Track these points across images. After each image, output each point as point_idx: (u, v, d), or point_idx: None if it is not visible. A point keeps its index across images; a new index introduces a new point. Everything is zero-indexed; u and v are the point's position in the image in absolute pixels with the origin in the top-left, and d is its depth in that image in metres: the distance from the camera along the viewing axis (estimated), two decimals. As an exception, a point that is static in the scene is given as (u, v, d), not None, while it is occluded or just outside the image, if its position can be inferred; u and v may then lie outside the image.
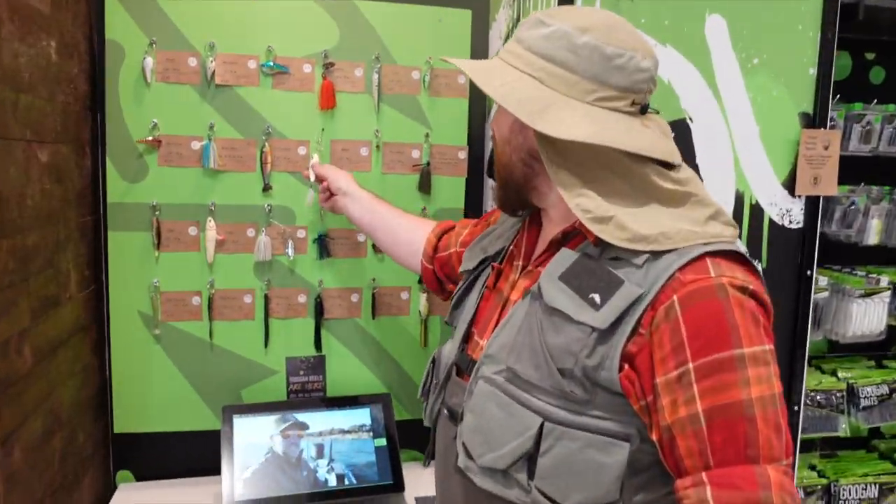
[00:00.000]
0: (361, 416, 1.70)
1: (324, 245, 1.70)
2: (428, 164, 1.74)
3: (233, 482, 1.53)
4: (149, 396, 1.67)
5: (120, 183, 1.59)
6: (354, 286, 1.75)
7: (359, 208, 1.49)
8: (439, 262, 1.35)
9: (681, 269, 0.78)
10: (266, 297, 1.70)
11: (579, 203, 0.83)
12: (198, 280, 1.66)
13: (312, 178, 1.59)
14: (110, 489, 1.68)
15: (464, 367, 0.99)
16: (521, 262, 0.99)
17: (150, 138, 1.58)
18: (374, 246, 1.74)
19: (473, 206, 1.81)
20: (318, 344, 1.74)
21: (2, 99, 1.13)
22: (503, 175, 0.97)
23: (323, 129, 1.68)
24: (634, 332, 0.78)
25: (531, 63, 0.86)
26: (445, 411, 1.02)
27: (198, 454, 1.70)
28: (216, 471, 1.56)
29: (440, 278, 1.36)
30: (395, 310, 1.78)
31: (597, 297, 0.81)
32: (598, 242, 0.84)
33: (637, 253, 0.80)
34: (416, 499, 1.65)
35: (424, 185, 1.74)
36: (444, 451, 1.02)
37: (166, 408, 1.68)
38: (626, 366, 0.79)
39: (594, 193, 0.83)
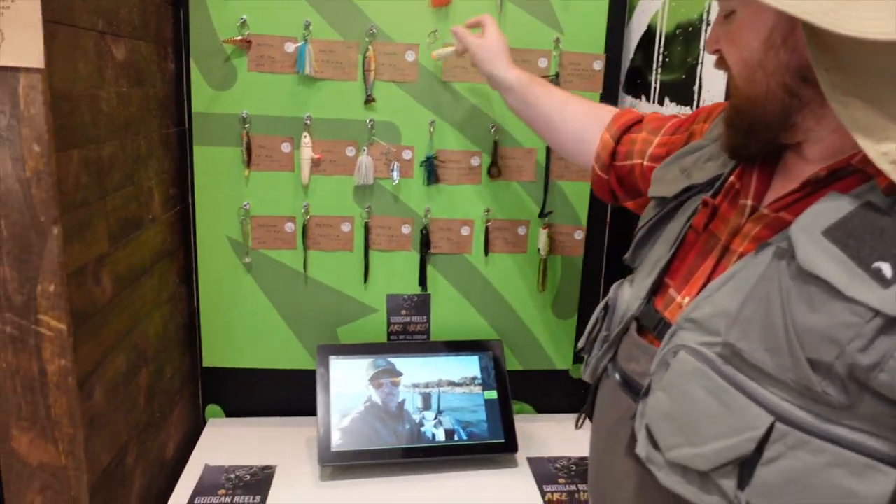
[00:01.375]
0: (470, 364, 1.50)
1: (433, 168, 1.47)
2: (557, 75, 1.46)
3: (329, 429, 1.38)
4: (239, 330, 1.52)
5: (206, 89, 1.39)
6: (466, 217, 1.52)
7: (510, 99, 1.20)
8: (617, 172, 1.05)
9: None
10: (366, 227, 1.49)
11: (888, 152, 0.57)
12: (291, 204, 1.47)
13: (448, 52, 1.31)
14: (200, 425, 1.57)
15: (649, 325, 0.78)
16: (749, 202, 0.73)
17: (239, 38, 1.37)
18: (489, 171, 1.50)
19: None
20: (422, 281, 1.54)
21: (68, -24, 0.93)
22: (748, 112, 0.70)
23: (435, 31, 1.42)
24: None
25: None
26: (618, 376, 0.82)
27: (290, 394, 1.56)
28: (309, 411, 1.41)
29: (615, 191, 1.08)
30: (510, 246, 1.55)
31: (886, 269, 0.56)
32: (891, 189, 0.59)
33: None
34: (529, 460, 1.46)
35: (552, 101, 1.47)
36: (613, 427, 0.82)
37: (257, 343, 1.54)
38: None
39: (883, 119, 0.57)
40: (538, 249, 1.54)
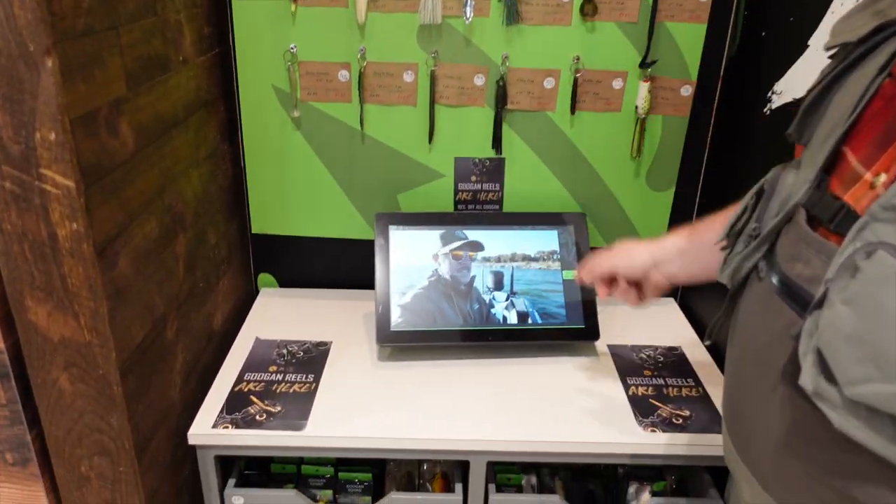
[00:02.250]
0: (547, 239, 1.31)
1: (513, 5, 1.21)
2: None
3: (388, 306, 1.23)
4: (289, 194, 1.36)
5: None
6: (551, 67, 1.27)
7: (680, 265, 0.95)
8: None
9: None
10: (432, 76, 1.26)
11: None
12: (345, 48, 1.25)
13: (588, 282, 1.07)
14: (251, 295, 1.46)
15: (824, 215, 0.57)
16: None
17: None
18: (582, 8, 1.23)
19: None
20: (496, 143, 1.32)
21: None
22: None
23: None
24: None
25: None
26: (775, 280, 0.62)
27: (348, 265, 1.42)
28: (369, 284, 1.27)
29: None
30: (602, 103, 1.30)
31: None
32: None
33: None
34: (611, 347, 1.30)
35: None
36: (764, 346, 0.63)
37: (310, 209, 1.38)
38: None
39: None
40: (636, 107, 1.29)
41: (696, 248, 0.92)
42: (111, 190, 0.87)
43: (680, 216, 1.39)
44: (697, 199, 1.40)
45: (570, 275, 1.29)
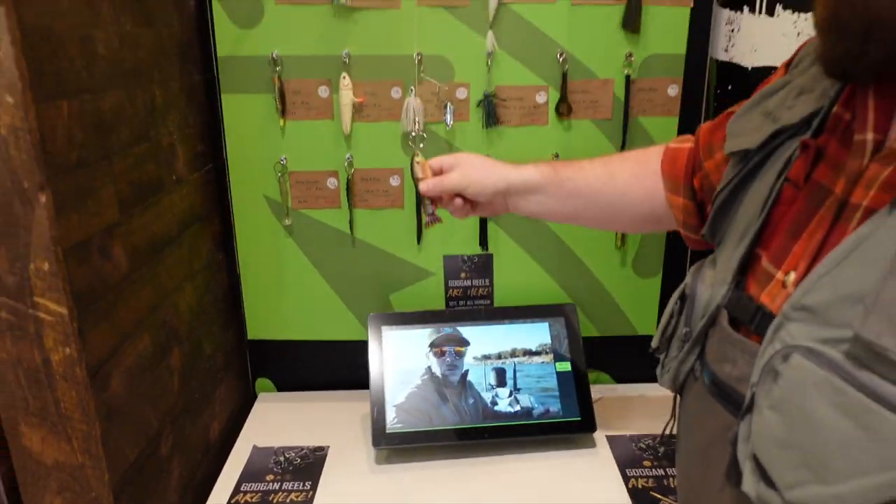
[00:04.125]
0: (539, 332, 1.32)
1: (492, 108, 1.27)
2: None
3: (383, 408, 1.23)
4: (284, 299, 1.39)
5: (230, 28, 1.22)
6: (531, 164, 1.32)
7: (544, 201, 0.95)
8: (699, 180, 0.81)
9: None
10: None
11: None
12: (333, 157, 1.30)
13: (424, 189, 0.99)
14: (250, 400, 1.46)
15: (744, 317, 0.60)
16: (869, 136, 0.53)
17: (264, -34, 1.19)
18: (557, 108, 1.29)
19: (696, 52, 1.28)
20: (483, 240, 1.36)
21: None
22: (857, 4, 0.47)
23: (490, -55, 1.20)
24: None
25: None
26: (707, 380, 0.64)
27: (343, 367, 1.43)
28: (364, 384, 1.27)
29: (703, 207, 0.82)
30: (584, 196, 1.34)
31: None
32: None
33: None
34: (609, 439, 1.29)
35: (631, 21, 1.23)
36: (706, 447, 0.64)
37: (305, 313, 1.40)
38: None
39: None
40: (617, 199, 1.33)
41: (556, 187, 0.93)
42: (104, 313, 0.89)
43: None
44: (686, 283, 1.42)
45: (563, 366, 1.30)
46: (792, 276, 0.55)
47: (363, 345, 1.31)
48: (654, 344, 0.75)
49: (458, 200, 0.98)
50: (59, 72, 0.80)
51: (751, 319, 0.58)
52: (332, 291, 1.38)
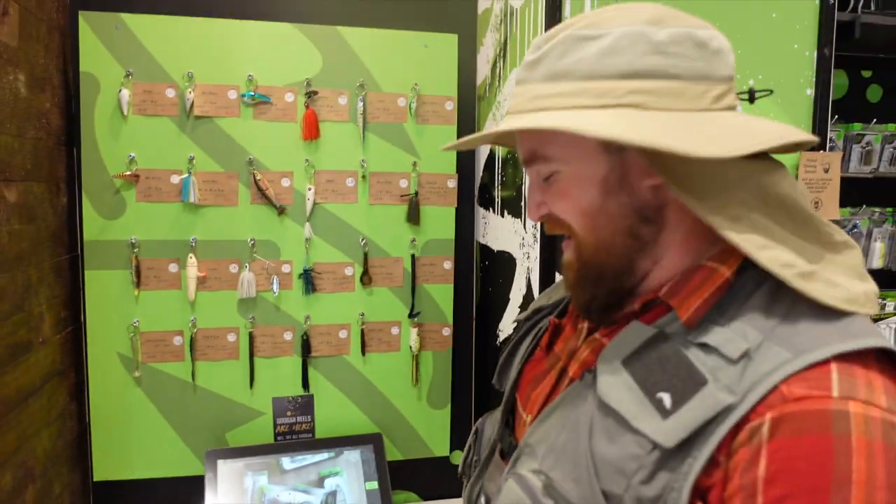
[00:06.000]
0: (353, 458, 1.63)
1: (309, 279, 1.64)
2: (416, 193, 1.69)
3: (217, 532, 1.46)
4: (130, 442, 1.60)
5: (97, 220, 1.53)
6: (343, 322, 1.69)
7: None
8: None
9: (789, 378, 0.53)
10: (251, 336, 1.63)
11: (772, 257, 0.58)
12: (179, 319, 1.60)
13: None
14: (91, 541, 1.60)
15: (505, 448, 0.78)
16: (586, 325, 0.73)
17: (128, 173, 1.53)
18: (361, 279, 1.68)
19: (464, 237, 1.75)
20: (305, 383, 1.68)
21: (-37, 138, 1.07)
22: (595, 263, 0.67)
23: (307, 160, 1.63)
24: (713, 461, 0.54)
25: (607, 91, 0.61)
26: (483, 500, 0.80)
27: (182, 502, 1.63)
28: (201, 519, 1.49)
29: None
30: (384, 346, 1.72)
31: (666, 399, 0.56)
32: (691, 321, 0.60)
33: (735, 341, 0.57)
34: (411, 544, 1.58)
35: (413, 216, 1.69)
36: None
37: (148, 453, 1.61)
38: (699, 503, 0.55)
39: (773, 242, 0.59)
40: (410, 347, 1.72)
41: None
42: (-22, 451, 1.10)
43: (460, 427, 1.77)
44: (473, 412, 1.80)
45: (371, 485, 1.59)
46: (530, 418, 0.72)
47: (202, 479, 1.54)
48: (459, 471, 0.90)
49: None
50: (-35, 265, 1.07)
51: (508, 451, 0.75)
52: (174, 433, 1.62)
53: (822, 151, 1.42)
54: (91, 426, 1.58)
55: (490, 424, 0.85)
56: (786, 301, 0.58)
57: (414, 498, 1.79)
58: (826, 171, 1.45)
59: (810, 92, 1.40)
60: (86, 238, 1.53)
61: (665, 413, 0.56)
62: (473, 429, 0.90)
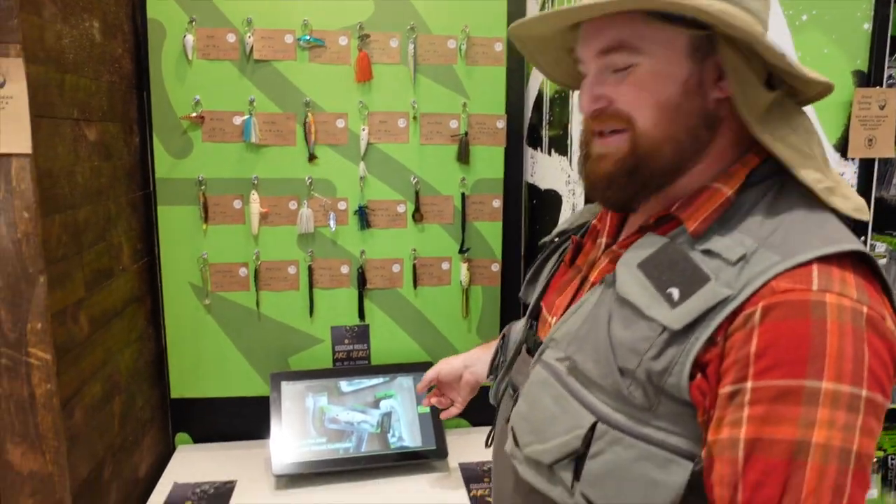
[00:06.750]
0: (406, 383, 1.73)
1: (364, 216, 1.73)
2: (466, 133, 1.74)
3: (282, 447, 1.59)
4: (202, 364, 1.74)
5: (167, 159, 1.64)
6: (396, 256, 1.77)
7: (482, 366, 1.24)
8: None
9: (779, 276, 0.63)
10: (310, 269, 1.74)
11: (807, 173, 0.69)
12: (244, 252, 1.71)
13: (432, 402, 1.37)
14: (170, 450, 1.77)
15: (531, 347, 0.90)
16: (604, 240, 0.86)
17: (194, 115, 1.63)
18: (413, 216, 1.76)
19: (513, 176, 1.80)
20: (361, 313, 1.78)
21: (47, 79, 1.18)
22: (653, 155, 0.73)
23: (361, 102, 1.69)
24: (712, 340, 0.65)
25: None
26: (510, 390, 0.91)
27: (250, 418, 1.77)
28: (268, 435, 1.62)
29: None
30: (436, 280, 1.80)
31: (675, 293, 0.67)
32: (697, 232, 0.71)
33: (734, 247, 0.67)
34: (461, 464, 1.68)
35: (463, 156, 1.74)
36: (500, 432, 0.93)
37: (218, 374, 1.75)
38: (699, 374, 0.66)
39: (807, 161, 0.71)
40: (460, 281, 1.79)
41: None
42: (73, 361, 1.25)
43: (506, 359, 1.85)
44: (518, 346, 1.87)
45: (424, 410, 1.70)
46: (554, 320, 0.83)
47: (268, 399, 1.67)
48: (487, 373, 1.07)
49: (443, 397, 1.34)
50: (55, 196, 1.19)
51: (535, 348, 0.85)
52: (241, 357, 1.75)
53: (877, 88, 1.39)
54: (167, 348, 1.73)
55: (517, 329, 0.98)
56: (778, 215, 0.69)
57: (464, 424, 1.89)
58: (882, 107, 1.42)
59: (867, 26, 1.37)
60: (157, 176, 1.65)
61: (673, 304, 0.67)
62: (500, 334, 1.02)
